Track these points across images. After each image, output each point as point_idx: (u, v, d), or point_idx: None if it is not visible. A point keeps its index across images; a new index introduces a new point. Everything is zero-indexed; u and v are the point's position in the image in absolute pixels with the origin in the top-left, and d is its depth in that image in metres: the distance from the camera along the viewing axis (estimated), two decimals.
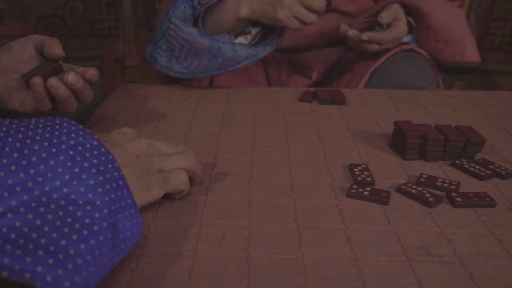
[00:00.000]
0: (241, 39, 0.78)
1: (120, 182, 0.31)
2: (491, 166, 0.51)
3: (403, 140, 0.53)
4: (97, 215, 0.28)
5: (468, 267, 0.35)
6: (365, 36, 0.82)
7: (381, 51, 0.85)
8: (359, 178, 0.48)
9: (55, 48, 0.49)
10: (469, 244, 0.38)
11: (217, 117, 0.64)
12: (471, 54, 0.83)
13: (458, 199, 0.44)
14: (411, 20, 0.88)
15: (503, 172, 0.49)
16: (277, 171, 0.50)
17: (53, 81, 0.47)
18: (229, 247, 0.37)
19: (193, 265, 0.34)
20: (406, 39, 0.89)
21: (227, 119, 0.64)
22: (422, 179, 0.48)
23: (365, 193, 0.45)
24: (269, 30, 0.78)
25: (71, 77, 0.47)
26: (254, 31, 0.76)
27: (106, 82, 1.91)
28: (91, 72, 0.50)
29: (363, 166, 0.50)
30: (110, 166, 0.31)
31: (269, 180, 0.48)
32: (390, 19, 0.82)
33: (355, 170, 0.49)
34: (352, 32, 0.84)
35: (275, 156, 0.53)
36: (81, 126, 0.32)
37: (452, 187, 0.47)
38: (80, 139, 0.31)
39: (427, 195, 0.45)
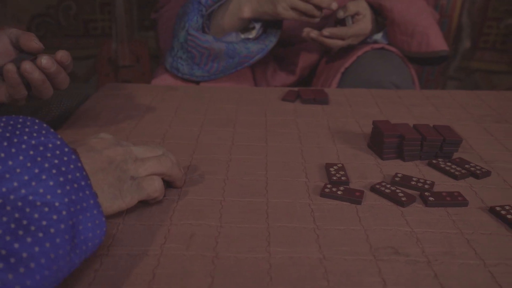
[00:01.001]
0: (247, 35, 0.84)
1: (83, 183, 0.31)
2: (466, 166, 0.51)
3: (380, 140, 0.53)
4: (54, 216, 0.27)
5: (433, 266, 0.35)
6: (326, 31, 0.83)
7: (352, 51, 0.86)
8: (334, 178, 0.48)
9: (34, 41, 0.48)
10: (437, 243, 0.38)
11: (198, 117, 0.64)
12: (437, 43, 0.84)
13: (431, 198, 0.44)
14: (380, 18, 0.89)
15: (478, 172, 0.49)
16: (253, 171, 0.50)
17: (26, 66, 0.46)
18: (196, 246, 0.37)
19: (158, 264, 0.34)
20: (377, 37, 0.90)
21: (208, 118, 0.64)
22: (396, 179, 0.48)
23: (339, 192, 0.45)
24: (268, 23, 0.84)
25: (44, 60, 0.46)
26: (257, 25, 0.82)
27: (100, 82, 1.91)
28: (61, 54, 0.48)
29: (339, 165, 0.50)
30: (72, 166, 0.31)
31: (244, 179, 0.48)
32: (347, 12, 0.84)
33: (331, 169, 0.49)
34: (314, 33, 0.85)
35: (252, 156, 0.53)
36: (45, 125, 0.32)
37: (426, 186, 0.47)
38: (42, 138, 0.31)
39: (400, 194, 0.45)
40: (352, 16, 0.85)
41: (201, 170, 0.49)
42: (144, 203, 0.42)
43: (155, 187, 0.39)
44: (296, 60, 0.94)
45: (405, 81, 0.84)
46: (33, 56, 0.49)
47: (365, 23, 0.84)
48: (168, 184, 0.45)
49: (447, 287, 0.33)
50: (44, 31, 2.06)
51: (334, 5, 0.77)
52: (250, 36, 0.84)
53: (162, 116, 0.64)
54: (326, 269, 0.35)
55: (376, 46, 0.87)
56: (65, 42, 2.08)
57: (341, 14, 0.84)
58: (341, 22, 0.87)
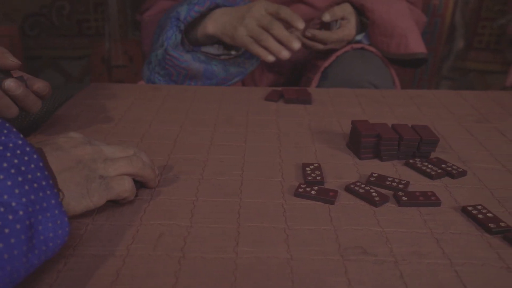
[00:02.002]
0: (230, 50, 0.82)
1: (43, 183, 0.31)
2: (443, 166, 0.51)
3: (358, 140, 0.53)
4: (10, 217, 0.27)
5: (400, 266, 0.35)
6: (308, 33, 0.83)
7: (332, 50, 0.86)
8: (309, 178, 0.48)
9: (9, 58, 0.47)
10: (406, 243, 0.38)
11: (179, 116, 0.64)
12: (415, 45, 0.84)
13: (404, 198, 0.44)
14: (364, 19, 0.89)
15: (454, 172, 0.49)
16: (229, 170, 0.50)
17: (11, 83, 0.46)
18: (164, 247, 0.36)
19: (123, 265, 0.34)
20: (359, 37, 0.90)
21: (189, 118, 0.64)
22: (372, 178, 0.48)
23: (312, 192, 0.45)
24: None
25: (10, 83, 0.46)
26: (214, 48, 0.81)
27: (93, 82, 1.91)
28: (38, 85, 0.48)
29: (316, 165, 0.50)
30: (33, 166, 0.31)
31: (219, 179, 0.48)
32: (333, 17, 0.83)
33: (307, 169, 0.49)
34: (298, 33, 0.85)
35: (230, 156, 0.53)
36: (7, 125, 0.32)
37: (401, 186, 0.47)
38: (3, 138, 0.31)
39: (374, 194, 0.45)
40: (336, 21, 0.85)
41: (177, 170, 0.49)
42: (115, 203, 0.42)
43: (124, 187, 0.39)
44: (284, 61, 0.94)
45: (384, 82, 0.84)
46: (7, 73, 0.48)
47: (349, 29, 0.84)
48: (142, 184, 0.44)
49: (411, 286, 0.33)
50: (38, 31, 2.05)
51: (301, 25, 0.74)
52: (233, 52, 0.82)
53: (143, 116, 0.64)
54: (292, 269, 0.35)
55: (356, 46, 0.87)
56: (59, 42, 2.08)
57: (327, 18, 0.83)
58: (325, 26, 0.88)
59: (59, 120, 0.62)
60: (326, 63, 0.86)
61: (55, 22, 2.07)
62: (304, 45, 0.86)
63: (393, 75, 0.88)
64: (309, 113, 0.68)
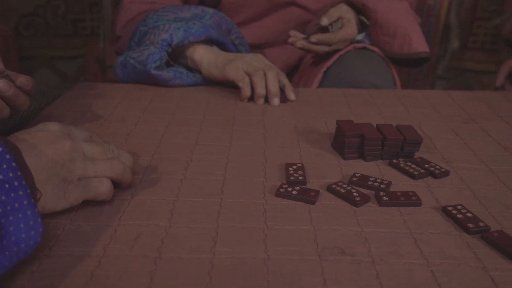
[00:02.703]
0: None
1: (16, 183, 0.31)
2: (426, 166, 0.51)
3: (342, 140, 0.53)
4: None
5: (377, 266, 0.35)
6: (314, 38, 0.84)
7: (334, 50, 0.86)
8: (292, 178, 0.48)
9: None
10: (384, 243, 0.38)
11: (165, 116, 0.64)
12: (418, 44, 0.84)
13: (385, 198, 0.44)
14: (364, 18, 0.89)
15: (436, 172, 0.49)
16: (212, 170, 0.50)
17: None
18: (141, 247, 0.36)
19: (99, 265, 0.34)
20: (360, 37, 0.90)
21: (175, 118, 0.64)
22: (354, 178, 0.48)
23: (294, 192, 0.45)
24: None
25: (1, 84, 0.46)
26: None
27: (88, 81, 1.90)
28: (21, 80, 0.49)
29: (299, 165, 0.50)
30: (5, 166, 0.31)
31: (201, 179, 0.48)
32: (331, 19, 0.84)
33: (290, 169, 0.49)
34: (300, 44, 0.86)
35: (214, 156, 0.53)
36: None
37: (382, 186, 0.47)
38: None
39: (355, 194, 0.45)
40: (337, 21, 0.86)
41: (160, 170, 0.49)
42: (95, 203, 0.42)
43: (102, 190, 0.39)
44: (275, 61, 0.94)
45: (385, 82, 0.84)
46: None
47: (351, 28, 0.84)
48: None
49: (386, 286, 0.33)
50: (33, 31, 2.05)
51: (293, 97, 0.72)
52: None
53: (129, 116, 0.64)
54: (268, 269, 0.35)
55: (358, 45, 0.87)
56: (54, 42, 2.07)
57: (325, 22, 0.83)
58: (323, 29, 0.88)
59: (45, 119, 0.62)
60: (329, 63, 0.86)
61: (50, 22, 2.06)
62: (309, 50, 0.86)
63: (394, 76, 0.88)
64: (296, 113, 0.68)
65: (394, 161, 0.52)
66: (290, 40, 0.87)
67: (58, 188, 0.36)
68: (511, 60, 0.88)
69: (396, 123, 0.64)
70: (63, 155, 0.38)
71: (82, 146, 0.40)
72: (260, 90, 0.69)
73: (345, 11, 0.85)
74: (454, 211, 0.42)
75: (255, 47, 0.95)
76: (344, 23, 0.84)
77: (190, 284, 0.33)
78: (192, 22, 0.75)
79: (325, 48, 0.85)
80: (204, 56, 0.73)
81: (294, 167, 0.50)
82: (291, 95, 0.72)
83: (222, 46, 0.79)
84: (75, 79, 2.06)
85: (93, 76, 1.98)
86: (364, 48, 0.87)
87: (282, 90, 0.72)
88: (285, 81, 0.72)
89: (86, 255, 0.35)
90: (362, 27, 0.90)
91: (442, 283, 0.33)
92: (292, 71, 0.99)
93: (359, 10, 0.88)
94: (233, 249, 0.37)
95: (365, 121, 0.64)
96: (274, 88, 0.69)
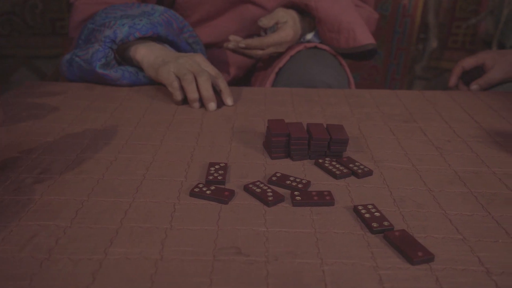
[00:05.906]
0: None
1: None
2: (351, 165, 0.51)
3: (269, 139, 0.53)
4: None
5: (269, 266, 0.35)
6: (242, 43, 0.85)
7: (287, 50, 0.86)
8: (210, 177, 0.47)
9: None
10: (285, 243, 0.38)
11: (104, 115, 0.64)
12: (363, 37, 0.84)
13: (298, 198, 0.44)
14: (310, 18, 0.89)
15: (359, 171, 0.49)
16: (133, 170, 0.49)
17: None
18: (32, 248, 0.36)
19: None
20: (309, 36, 0.90)
21: (114, 117, 0.63)
22: (274, 178, 0.48)
23: (208, 192, 0.44)
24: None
25: None
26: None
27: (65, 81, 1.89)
28: None
29: (222, 165, 0.50)
30: None
31: (119, 179, 0.47)
32: (270, 23, 0.84)
33: (211, 169, 0.49)
34: (231, 45, 0.87)
35: (140, 155, 0.53)
36: None
37: (300, 186, 0.46)
38: None
39: (269, 194, 0.44)
40: (271, 27, 0.86)
41: (80, 169, 0.49)
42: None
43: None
44: (229, 60, 0.94)
45: (338, 80, 0.84)
46: None
47: (285, 30, 0.84)
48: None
49: (273, 286, 0.33)
50: (10, 30, 2.03)
51: (230, 102, 0.70)
52: None
53: (66, 115, 0.63)
54: (157, 270, 0.34)
55: (309, 45, 0.87)
56: (32, 41, 2.06)
57: (264, 23, 0.85)
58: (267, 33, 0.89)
59: None
60: (281, 64, 0.86)
61: (28, 21, 2.04)
62: (243, 54, 0.88)
63: (348, 74, 0.88)
64: (237, 112, 0.67)
65: (320, 160, 0.52)
66: (225, 44, 0.88)
67: None
68: (463, 60, 0.88)
69: (337, 122, 0.64)
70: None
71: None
72: (191, 94, 0.67)
73: (281, 16, 0.85)
74: (363, 211, 0.42)
75: (212, 46, 0.94)
76: (278, 27, 0.84)
77: (70, 285, 0.32)
78: (139, 18, 0.74)
79: (258, 52, 0.86)
80: (145, 56, 0.73)
81: (217, 166, 0.50)
82: (228, 100, 0.70)
83: (174, 45, 0.79)
84: (55, 78, 2.04)
85: None
86: (315, 47, 0.87)
87: (218, 94, 0.70)
88: (222, 84, 0.70)
89: None
90: (310, 27, 0.90)
91: (329, 282, 0.33)
92: (250, 72, 0.99)
93: (303, 10, 0.88)
94: (128, 249, 0.36)
95: (309, 121, 0.64)
96: (206, 92, 0.66)
